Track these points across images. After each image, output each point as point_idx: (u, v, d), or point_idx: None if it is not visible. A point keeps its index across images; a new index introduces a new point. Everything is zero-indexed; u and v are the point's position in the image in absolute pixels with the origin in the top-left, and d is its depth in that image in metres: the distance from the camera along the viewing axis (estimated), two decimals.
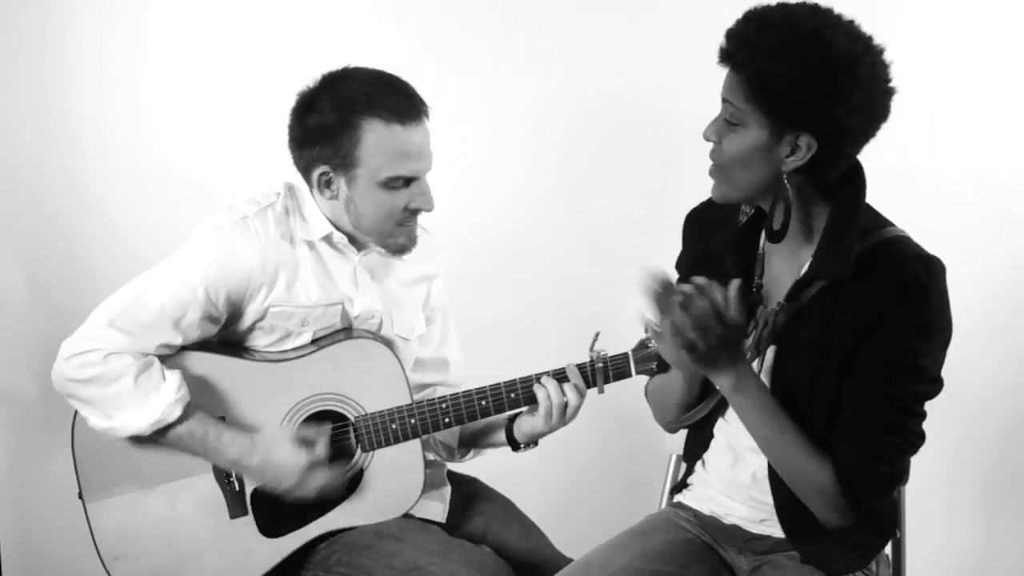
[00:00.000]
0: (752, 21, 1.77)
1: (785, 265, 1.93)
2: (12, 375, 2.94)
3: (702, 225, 2.07)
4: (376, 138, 2.14)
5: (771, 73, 1.74)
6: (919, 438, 1.86)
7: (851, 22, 1.79)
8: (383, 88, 2.17)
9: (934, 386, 1.85)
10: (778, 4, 1.79)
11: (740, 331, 1.81)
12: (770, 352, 1.92)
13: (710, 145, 1.86)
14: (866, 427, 1.83)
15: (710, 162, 1.86)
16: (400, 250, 2.24)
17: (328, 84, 2.19)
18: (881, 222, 1.89)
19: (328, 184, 2.20)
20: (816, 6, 1.79)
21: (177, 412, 2.13)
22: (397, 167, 2.16)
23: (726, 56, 1.79)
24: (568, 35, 3.01)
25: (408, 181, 2.18)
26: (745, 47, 1.76)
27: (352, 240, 2.25)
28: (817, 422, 1.87)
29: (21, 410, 2.97)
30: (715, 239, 2.00)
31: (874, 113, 1.80)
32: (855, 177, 1.87)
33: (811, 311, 1.87)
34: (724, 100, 1.81)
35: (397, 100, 2.16)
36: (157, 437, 2.16)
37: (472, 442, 2.41)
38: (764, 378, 1.92)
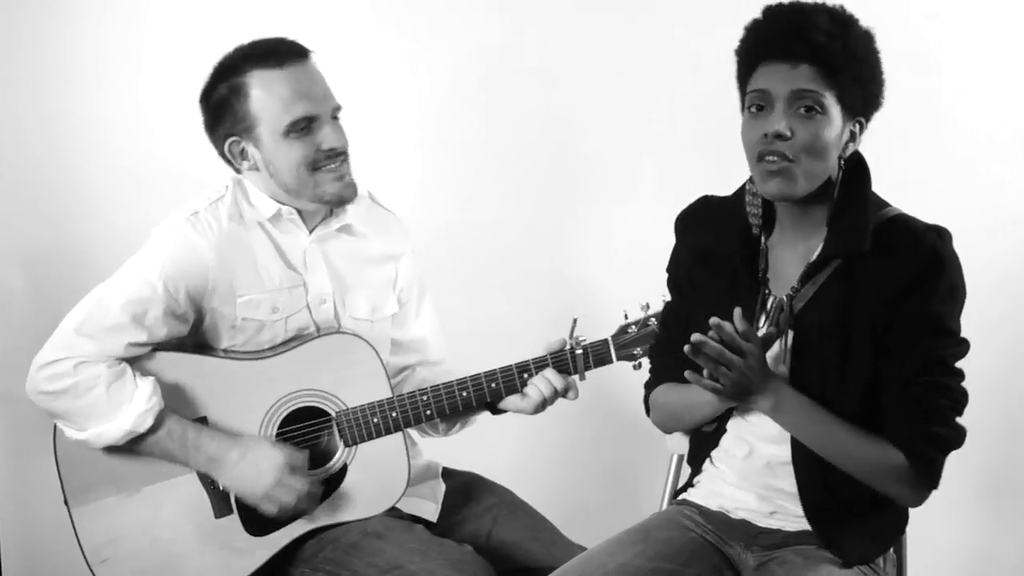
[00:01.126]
0: (822, 15, 1.83)
1: (791, 254, 1.95)
2: (12, 375, 2.92)
3: (695, 223, 2.08)
4: (260, 89, 2.18)
5: (864, 65, 1.84)
6: (963, 396, 1.88)
7: None
8: (255, 44, 2.23)
9: (962, 347, 1.89)
10: (800, 1, 1.87)
11: (758, 353, 1.84)
12: (789, 339, 1.93)
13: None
14: (915, 395, 1.85)
15: (776, 160, 1.84)
16: (339, 201, 2.24)
17: (215, 68, 2.25)
18: (881, 203, 1.94)
19: (243, 154, 2.23)
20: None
21: (149, 422, 2.14)
22: (291, 110, 2.17)
23: (810, 50, 1.81)
24: (562, 36, 3.00)
25: (309, 123, 2.19)
26: (833, 38, 1.81)
27: (301, 217, 2.26)
28: (852, 402, 1.89)
29: (21, 410, 2.96)
30: (711, 236, 2.02)
31: None
32: (859, 159, 1.93)
33: (828, 293, 1.90)
34: (801, 91, 1.82)
35: (269, 48, 2.21)
36: (133, 445, 2.16)
37: (455, 416, 2.39)
38: (784, 367, 1.93)
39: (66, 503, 2.21)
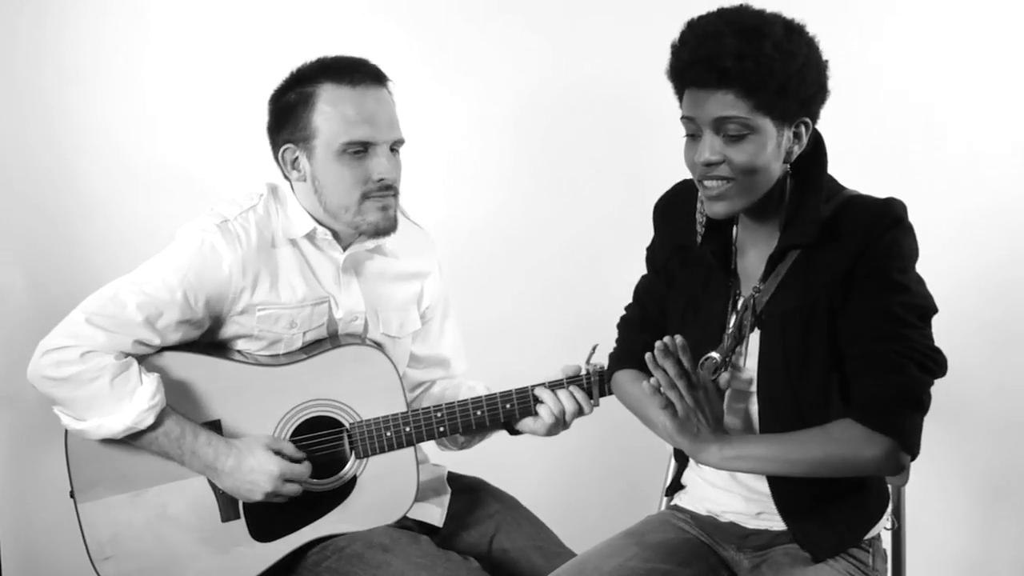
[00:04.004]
0: (729, 37, 1.76)
1: (757, 250, 1.96)
2: (12, 375, 2.92)
3: (672, 214, 2.08)
4: (328, 103, 2.16)
5: (782, 74, 1.76)
6: (933, 352, 1.83)
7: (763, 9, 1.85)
8: (339, 59, 2.21)
9: (917, 299, 1.84)
10: (720, 12, 1.82)
11: (713, 407, 1.85)
12: (755, 336, 1.93)
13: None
14: (866, 347, 1.82)
15: (715, 185, 1.85)
16: (376, 231, 2.22)
17: (294, 71, 2.24)
18: (837, 187, 1.92)
19: (295, 164, 2.22)
20: (747, 6, 1.85)
21: (150, 419, 2.13)
22: (351, 131, 2.16)
23: (721, 77, 1.77)
24: (563, 33, 3.01)
25: (365, 148, 2.17)
26: (742, 59, 1.75)
27: (336, 237, 2.25)
28: (814, 387, 1.88)
29: (21, 410, 2.97)
30: (686, 229, 2.01)
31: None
32: (817, 147, 1.91)
33: (788, 284, 1.90)
34: (722, 118, 1.80)
35: (350, 65, 2.19)
36: (131, 440, 2.15)
37: (472, 432, 2.39)
38: (752, 361, 1.93)
39: (72, 496, 2.21)
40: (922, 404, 1.82)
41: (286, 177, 2.27)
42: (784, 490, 1.96)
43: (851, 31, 2.87)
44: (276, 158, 2.25)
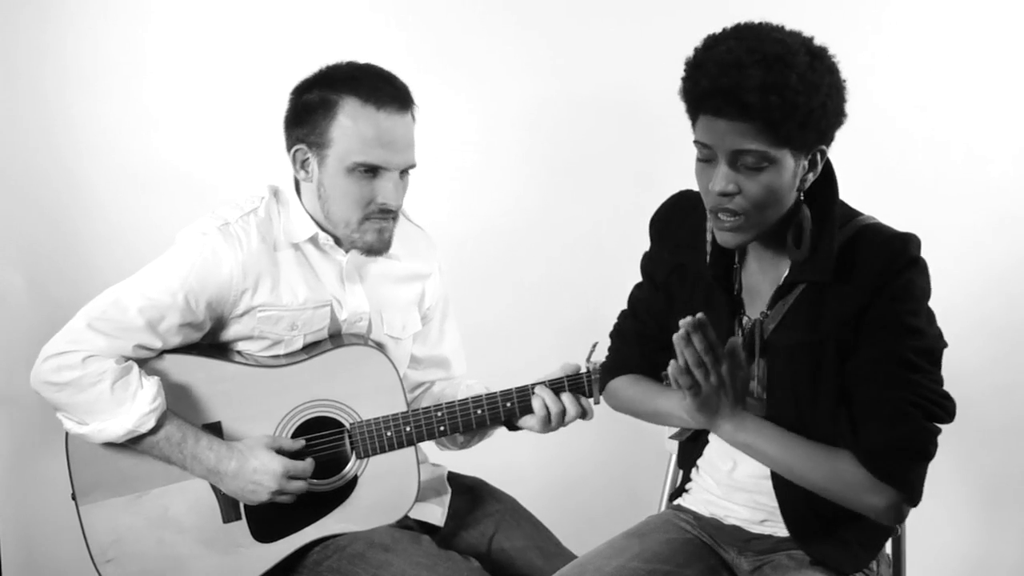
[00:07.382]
0: (753, 68, 1.67)
1: (763, 273, 1.94)
2: (12, 375, 2.93)
3: (669, 230, 2.06)
4: (349, 118, 2.15)
5: (806, 108, 1.69)
6: (942, 398, 1.80)
7: (781, 27, 1.78)
8: (370, 74, 2.20)
9: (929, 343, 1.82)
10: (739, 35, 1.73)
11: (740, 375, 1.82)
12: (762, 362, 1.92)
13: None
14: (875, 392, 1.79)
15: (728, 219, 1.79)
16: (369, 250, 2.23)
17: (324, 69, 2.23)
18: (850, 213, 1.88)
19: (304, 165, 2.23)
20: (766, 25, 1.77)
21: (151, 423, 2.13)
22: (365, 152, 2.15)
23: (743, 110, 1.69)
24: (565, 35, 3.01)
25: (375, 171, 2.17)
26: (767, 93, 1.67)
27: (337, 241, 2.25)
28: (827, 420, 1.86)
29: (21, 410, 2.97)
30: (686, 248, 1.99)
31: None
32: (828, 175, 1.87)
33: (797, 313, 1.87)
34: (741, 151, 1.73)
35: (379, 85, 2.17)
36: (133, 445, 2.16)
37: (472, 431, 2.39)
38: (759, 387, 1.92)
39: (74, 499, 2.21)
40: (927, 454, 1.80)
41: (293, 167, 2.26)
42: (795, 514, 1.95)
43: (848, 37, 2.86)
44: (288, 153, 2.25)
